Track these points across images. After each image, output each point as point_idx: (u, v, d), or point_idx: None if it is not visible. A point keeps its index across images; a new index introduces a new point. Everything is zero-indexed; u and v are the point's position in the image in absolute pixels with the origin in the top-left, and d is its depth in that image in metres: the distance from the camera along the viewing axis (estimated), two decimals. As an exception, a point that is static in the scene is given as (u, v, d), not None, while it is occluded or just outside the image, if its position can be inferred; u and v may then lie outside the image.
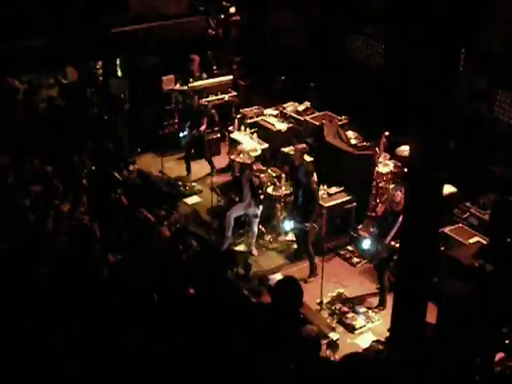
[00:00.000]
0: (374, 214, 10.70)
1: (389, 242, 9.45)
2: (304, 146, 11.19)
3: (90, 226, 8.21)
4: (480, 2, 10.90)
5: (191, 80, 14.06)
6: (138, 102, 14.01)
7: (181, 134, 13.07)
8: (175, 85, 14.31)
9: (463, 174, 10.67)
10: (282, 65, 15.07)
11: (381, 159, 11.37)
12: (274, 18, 15.79)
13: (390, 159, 11.48)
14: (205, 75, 14.39)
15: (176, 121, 14.25)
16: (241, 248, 11.20)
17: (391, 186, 11.18)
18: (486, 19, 11.11)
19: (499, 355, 7.85)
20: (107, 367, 6.36)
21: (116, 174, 11.15)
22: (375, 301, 9.94)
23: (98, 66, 13.85)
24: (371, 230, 10.61)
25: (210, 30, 15.49)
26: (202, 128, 12.96)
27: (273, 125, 13.14)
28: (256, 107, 13.99)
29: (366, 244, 9.92)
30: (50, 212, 8.98)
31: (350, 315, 9.66)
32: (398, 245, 9.20)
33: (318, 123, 12.47)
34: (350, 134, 12.23)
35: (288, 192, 11.24)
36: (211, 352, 6.13)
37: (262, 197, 10.90)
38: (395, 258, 9.36)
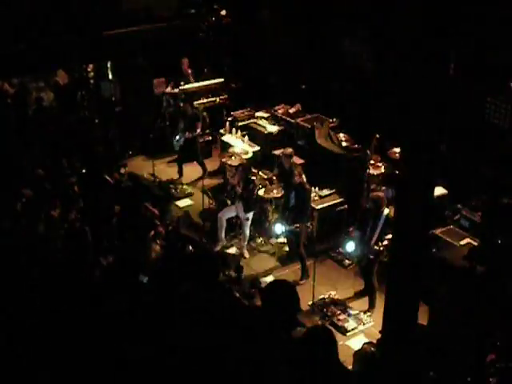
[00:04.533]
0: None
1: (373, 244, 9.47)
2: (290, 149, 11.21)
3: (81, 230, 8.19)
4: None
5: (182, 83, 14.06)
6: (129, 104, 14.00)
7: (175, 139, 13.07)
8: (166, 87, 14.31)
9: (454, 175, 10.70)
10: (273, 67, 15.07)
11: (372, 161, 11.39)
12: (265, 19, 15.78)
13: (381, 161, 11.52)
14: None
15: (167, 123, 14.26)
16: (232, 250, 11.21)
17: (383, 187, 11.20)
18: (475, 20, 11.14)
19: (490, 357, 7.87)
20: (101, 369, 6.35)
21: (107, 177, 11.14)
22: (367, 303, 9.95)
23: (89, 69, 13.83)
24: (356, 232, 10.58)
25: (200, 33, 15.50)
26: (196, 132, 12.96)
27: (264, 127, 13.15)
28: (247, 110, 14.01)
29: (350, 246, 9.89)
30: (41, 216, 8.96)
31: (341, 317, 9.68)
32: (381, 248, 9.28)
33: (309, 125, 12.49)
34: (341, 136, 12.27)
35: (279, 195, 11.26)
36: (203, 354, 6.13)
37: (254, 198, 10.95)
38: (381, 259, 9.45)
